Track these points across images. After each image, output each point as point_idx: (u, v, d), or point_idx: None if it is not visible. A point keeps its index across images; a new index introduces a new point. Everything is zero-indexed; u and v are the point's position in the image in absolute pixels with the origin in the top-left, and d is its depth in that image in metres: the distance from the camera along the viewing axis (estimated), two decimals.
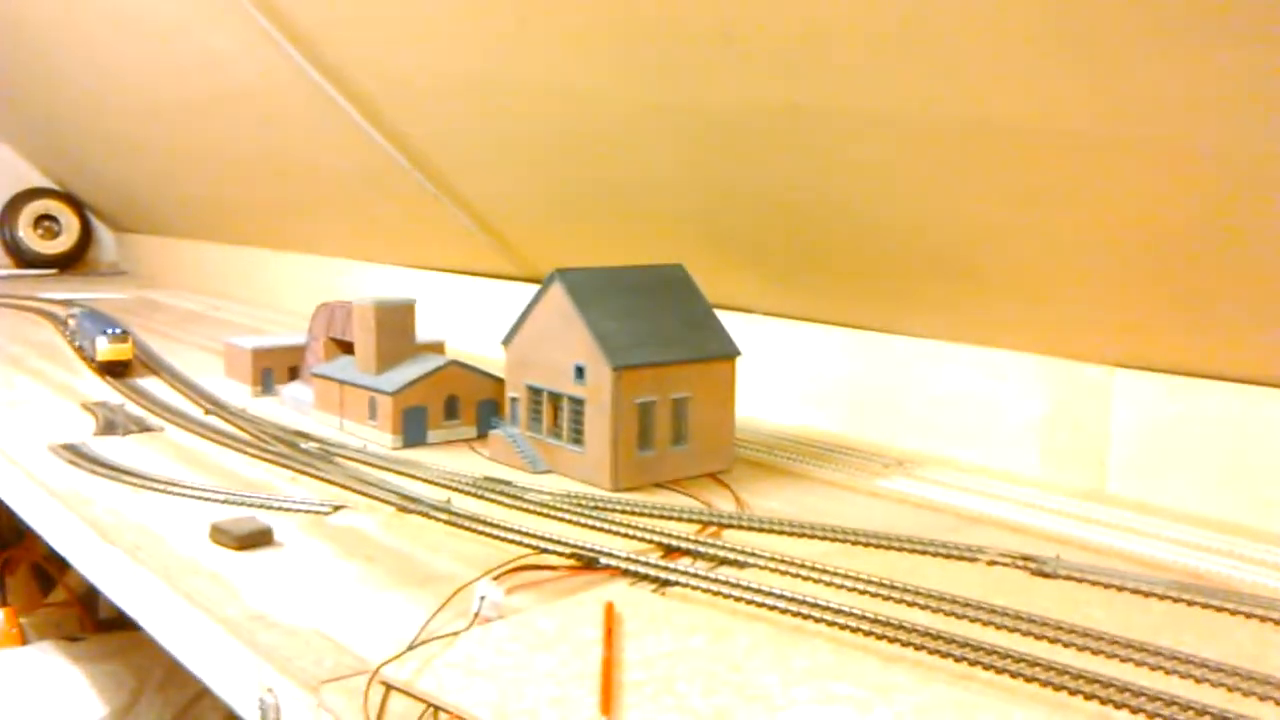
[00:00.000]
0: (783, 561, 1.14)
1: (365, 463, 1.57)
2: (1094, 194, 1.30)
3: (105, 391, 2.10)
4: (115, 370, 2.23)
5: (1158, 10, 1.07)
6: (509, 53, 1.85)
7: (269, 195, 3.30)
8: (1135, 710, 0.83)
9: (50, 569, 2.94)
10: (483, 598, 1.01)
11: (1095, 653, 0.94)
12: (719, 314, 1.61)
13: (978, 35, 1.21)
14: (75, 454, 1.60)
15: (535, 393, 1.57)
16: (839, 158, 1.53)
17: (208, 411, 1.91)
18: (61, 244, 4.88)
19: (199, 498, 1.39)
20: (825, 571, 1.11)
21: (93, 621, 2.81)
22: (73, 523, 1.36)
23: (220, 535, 1.23)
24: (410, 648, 0.92)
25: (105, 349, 2.22)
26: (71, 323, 2.72)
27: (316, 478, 1.49)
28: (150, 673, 2.32)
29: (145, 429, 1.79)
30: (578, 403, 1.49)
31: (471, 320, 2.56)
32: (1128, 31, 1.10)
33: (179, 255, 4.42)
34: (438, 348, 1.95)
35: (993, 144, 1.33)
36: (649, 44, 1.59)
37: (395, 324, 1.77)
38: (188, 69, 2.87)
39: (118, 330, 2.26)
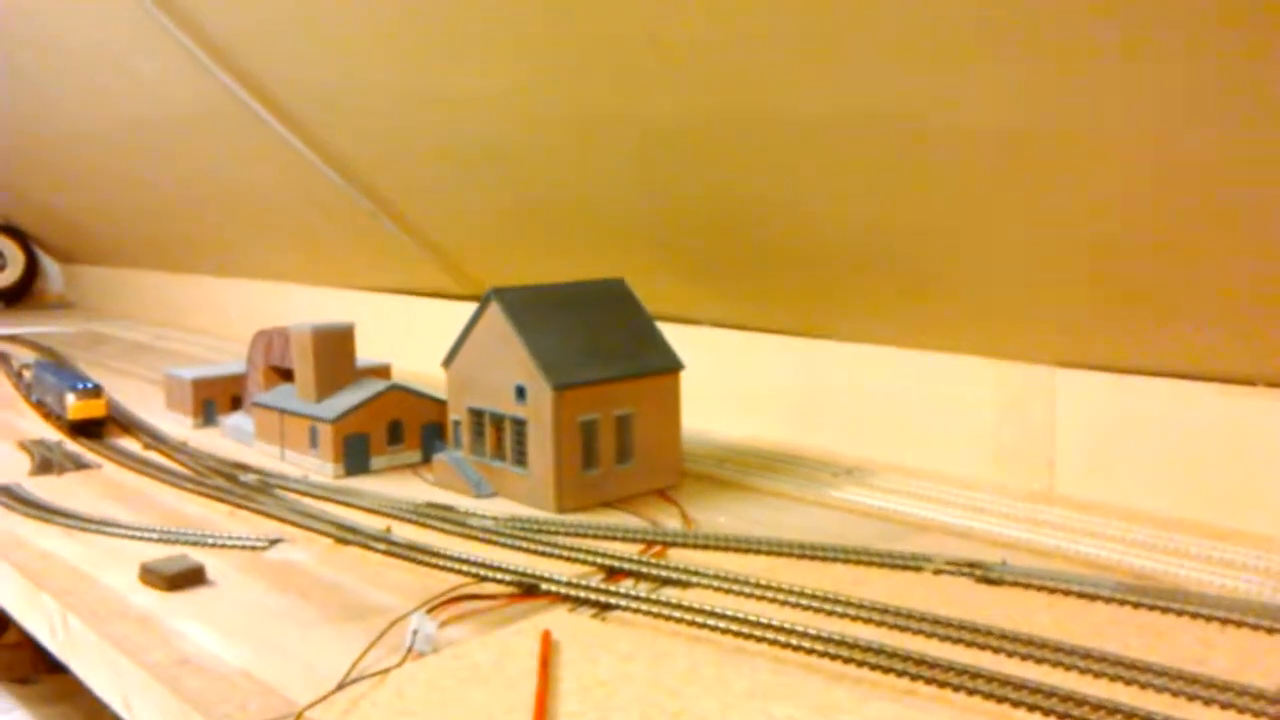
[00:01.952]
0: (726, 580, 1.12)
1: (305, 494, 1.54)
2: (1032, 195, 1.29)
3: (43, 429, 2.06)
4: (88, 430, 1.96)
5: (1095, 15, 1.06)
6: (442, 67, 1.83)
7: (209, 221, 3.26)
8: (1078, 719, 0.82)
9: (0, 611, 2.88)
10: (415, 632, 0.98)
11: (1039, 661, 0.92)
12: (664, 327, 1.59)
13: (915, 40, 1.20)
14: (8, 496, 1.56)
15: (477, 415, 1.54)
16: (779, 165, 1.52)
17: (146, 446, 1.87)
18: (7, 278, 4.81)
19: (131, 537, 1.36)
20: (769, 588, 1.09)
21: (45, 663, 2.75)
22: (4, 569, 1.32)
23: (150, 576, 1.19)
24: (339, 687, 0.89)
25: (76, 405, 1.96)
26: (27, 375, 2.49)
27: (254, 511, 1.46)
28: (102, 715, 2.27)
29: (82, 466, 1.75)
30: (520, 424, 1.47)
31: (418, 341, 2.53)
32: (1065, 36, 1.10)
33: (125, 285, 4.36)
34: (383, 371, 1.92)
35: (932, 148, 1.31)
36: (584, 56, 1.57)
37: (334, 349, 1.73)
38: (118, 96, 2.83)
39: (88, 385, 2.01)
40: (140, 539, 1.35)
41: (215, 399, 2.05)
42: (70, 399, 1.96)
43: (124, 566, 1.24)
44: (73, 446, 1.89)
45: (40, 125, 3.51)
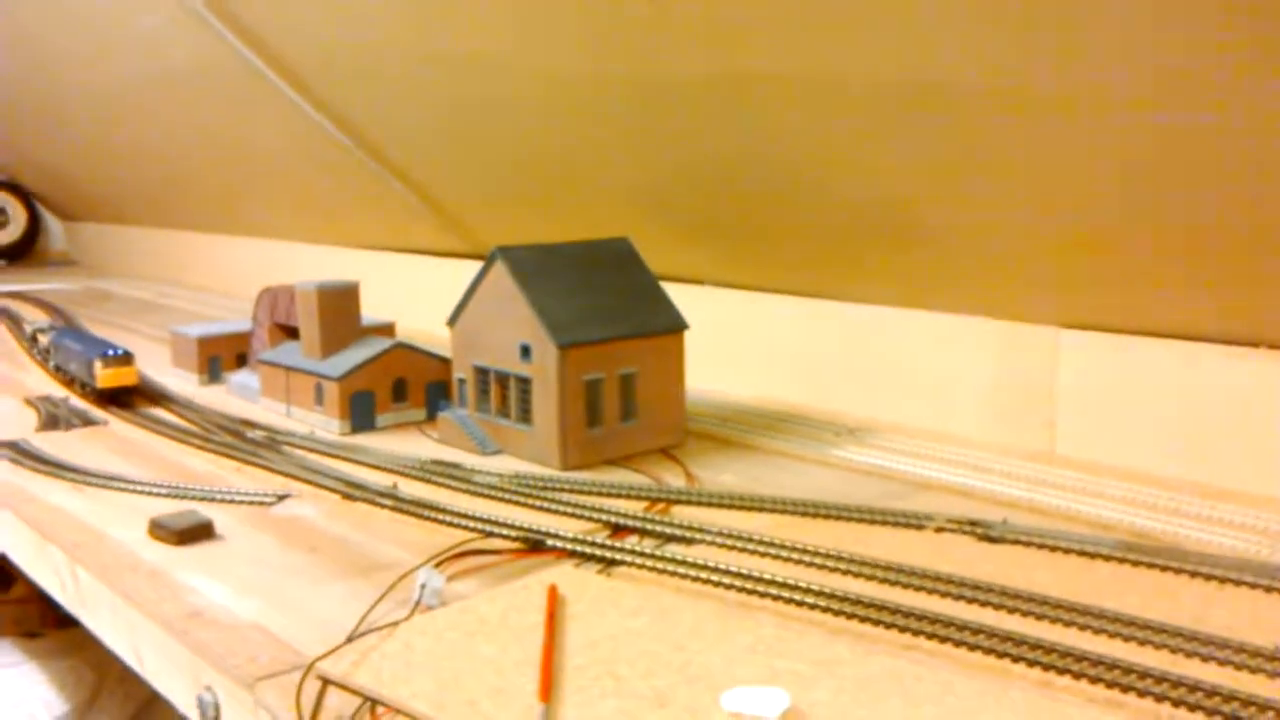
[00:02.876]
0: (730, 536, 1.13)
1: (312, 450, 1.55)
2: (1033, 158, 1.29)
3: (50, 386, 2.07)
4: (119, 398, 1.87)
5: None
6: (446, 26, 1.82)
7: (212, 179, 3.25)
8: (1077, 675, 0.83)
9: (8, 565, 2.90)
10: (423, 585, 0.99)
11: (1039, 618, 0.93)
12: (668, 286, 1.59)
13: (914, 1, 1.20)
14: (16, 451, 1.57)
15: (482, 373, 1.55)
16: (782, 126, 1.51)
17: (153, 402, 1.88)
18: (9, 235, 4.81)
19: (140, 492, 1.37)
20: (772, 545, 1.11)
21: (53, 617, 2.77)
22: (12, 522, 1.33)
23: (160, 530, 1.21)
24: (348, 640, 0.90)
25: (106, 374, 1.85)
26: (43, 340, 2.37)
27: (261, 467, 1.47)
28: (110, 668, 2.30)
29: (89, 423, 1.76)
30: (525, 382, 1.47)
31: (422, 299, 2.53)
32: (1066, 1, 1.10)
33: (128, 242, 4.35)
34: (388, 330, 1.93)
35: (933, 108, 1.31)
36: (587, 16, 1.57)
37: (339, 307, 1.74)
38: (121, 52, 2.82)
39: (118, 351, 1.89)
40: (148, 494, 1.36)
41: (221, 356, 2.06)
42: (99, 367, 1.86)
43: (133, 521, 1.25)
44: (79, 403, 1.90)
45: (42, 82, 3.50)
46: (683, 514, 1.25)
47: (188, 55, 2.51)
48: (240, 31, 2.25)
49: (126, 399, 1.88)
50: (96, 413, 1.83)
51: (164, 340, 2.39)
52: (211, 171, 3.19)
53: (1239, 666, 0.85)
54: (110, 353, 1.87)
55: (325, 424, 1.67)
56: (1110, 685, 0.81)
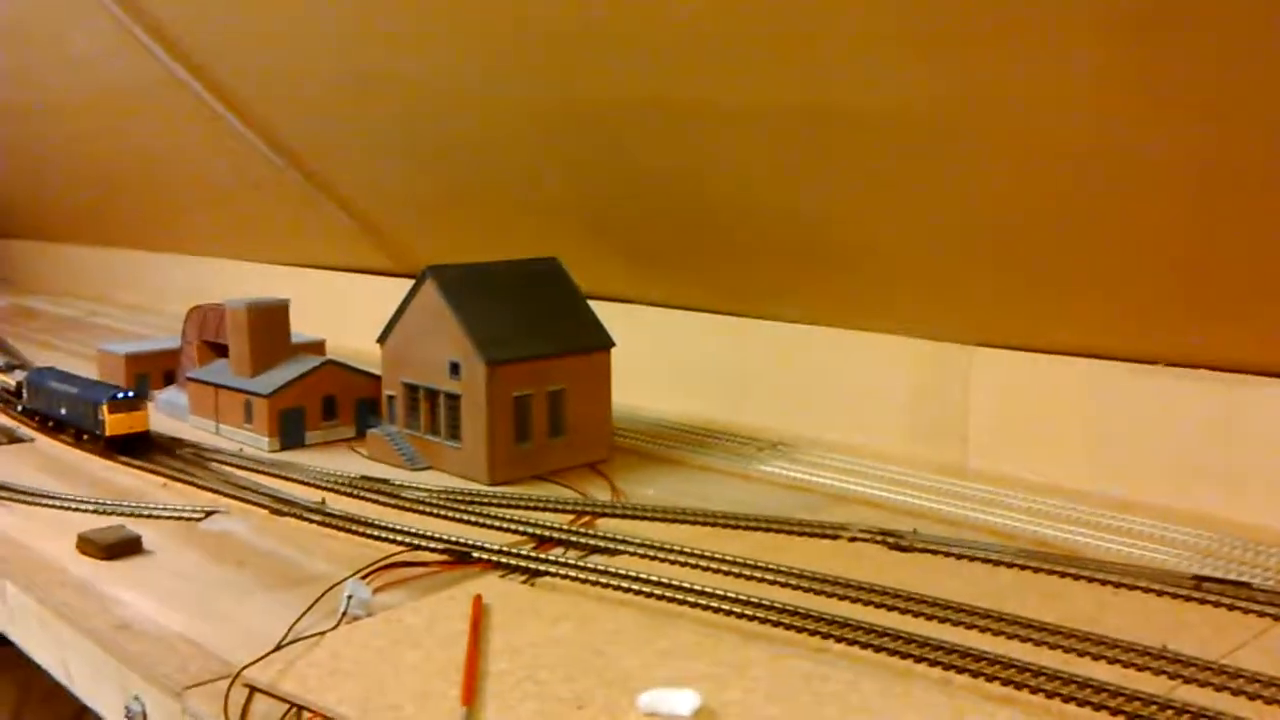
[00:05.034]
0: (652, 547, 1.17)
1: (240, 467, 1.56)
2: (944, 180, 1.35)
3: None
4: (130, 447, 1.63)
5: (1000, 5, 1.11)
6: (379, 49, 1.85)
7: (143, 196, 3.23)
8: (975, 674, 0.87)
9: None
10: (350, 597, 1.01)
11: (942, 621, 0.98)
12: (597, 304, 1.63)
13: (833, 29, 1.25)
14: None
15: (412, 390, 1.57)
16: (707, 149, 1.56)
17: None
18: None
19: (68, 508, 1.37)
20: (693, 555, 1.14)
21: None
22: None
23: (88, 545, 1.21)
24: (276, 649, 0.93)
25: (115, 420, 1.63)
26: (6, 380, 2.12)
27: (190, 484, 1.48)
28: (35, 685, 2.27)
29: (14, 440, 1.76)
30: (454, 399, 1.50)
31: (353, 317, 2.54)
32: (970, 26, 1.15)
33: (57, 260, 4.29)
34: (317, 347, 1.94)
35: (848, 133, 1.36)
36: (520, 41, 1.60)
37: (269, 325, 1.75)
38: (50, 70, 2.80)
39: (126, 393, 1.67)
40: (76, 509, 1.37)
41: (149, 374, 2.06)
42: (107, 412, 1.63)
43: (61, 537, 1.26)
44: (4, 420, 1.89)
45: None
46: (607, 526, 1.28)
47: (119, 73, 2.51)
48: (176, 52, 2.25)
49: (139, 448, 1.64)
50: (22, 430, 1.82)
51: (91, 358, 2.38)
52: (142, 189, 3.17)
53: (1128, 665, 0.90)
54: (119, 396, 1.65)
55: (255, 441, 1.68)
56: (1006, 683, 0.86)
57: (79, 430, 1.71)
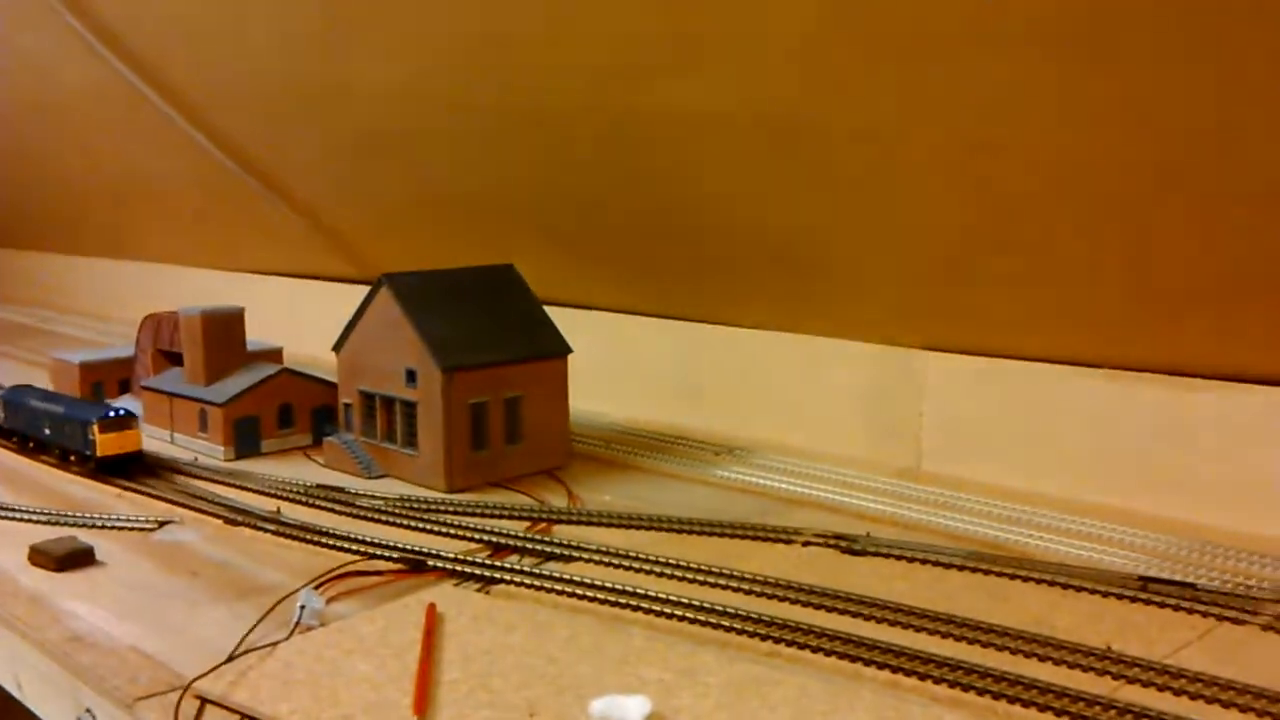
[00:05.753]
0: (607, 554, 1.18)
1: (195, 476, 1.55)
2: (896, 189, 1.37)
3: None
4: (121, 468, 1.55)
5: (953, 20, 1.13)
6: (335, 56, 1.84)
7: (97, 202, 3.20)
8: (922, 676, 0.89)
9: None
10: (303, 606, 1.01)
11: (892, 624, 0.99)
12: (554, 310, 1.63)
13: (787, 38, 1.27)
14: None
15: (368, 398, 1.57)
16: (663, 157, 1.57)
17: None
18: None
19: (19, 519, 1.36)
20: (647, 560, 1.15)
21: None
22: None
23: (39, 556, 1.20)
24: (227, 660, 0.92)
25: (106, 440, 1.54)
26: None
27: (144, 494, 1.47)
28: None
29: None
30: (410, 406, 1.50)
31: (311, 324, 2.53)
32: (925, 40, 1.17)
33: (6, 266, 4.25)
34: (275, 355, 1.93)
35: (802, 143, 1.38)
36: (475, 49, 1.61)
37: (223, 333, 1.75)
38: (2, 74, 2.77)
39: (118, 411, 1.58)
40: (27, 520, 1.35)
41: (103, 382, 2.04)
42: (98, 431, 1.54)
43: (12, 548, 1.25)
44: None
45: None
46: (563, 533, 1.28)
47: (73, 80, 2.49)
48: (129, 59, 2.24)
49: (130, 469, 1.56)
50: None
51: (43, 366, 2.35)
52: (97, 195, 3.14)
53: (1073, 665, 0.92)
54: (110, 414, 1.57)
55: (210, 450, 1.67)
56: (953, 685, 0.87)
57: (65, 451, 1.61)
